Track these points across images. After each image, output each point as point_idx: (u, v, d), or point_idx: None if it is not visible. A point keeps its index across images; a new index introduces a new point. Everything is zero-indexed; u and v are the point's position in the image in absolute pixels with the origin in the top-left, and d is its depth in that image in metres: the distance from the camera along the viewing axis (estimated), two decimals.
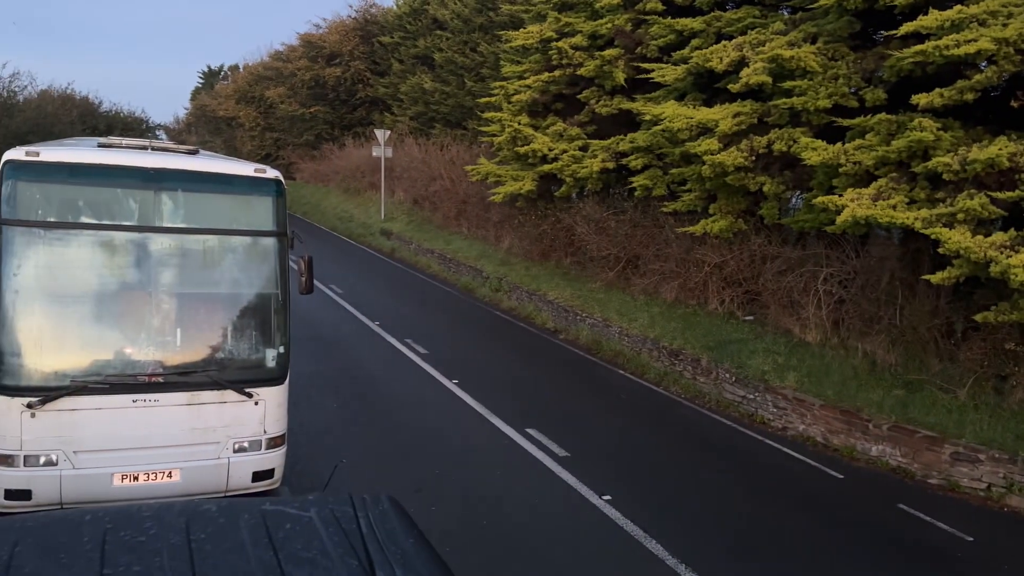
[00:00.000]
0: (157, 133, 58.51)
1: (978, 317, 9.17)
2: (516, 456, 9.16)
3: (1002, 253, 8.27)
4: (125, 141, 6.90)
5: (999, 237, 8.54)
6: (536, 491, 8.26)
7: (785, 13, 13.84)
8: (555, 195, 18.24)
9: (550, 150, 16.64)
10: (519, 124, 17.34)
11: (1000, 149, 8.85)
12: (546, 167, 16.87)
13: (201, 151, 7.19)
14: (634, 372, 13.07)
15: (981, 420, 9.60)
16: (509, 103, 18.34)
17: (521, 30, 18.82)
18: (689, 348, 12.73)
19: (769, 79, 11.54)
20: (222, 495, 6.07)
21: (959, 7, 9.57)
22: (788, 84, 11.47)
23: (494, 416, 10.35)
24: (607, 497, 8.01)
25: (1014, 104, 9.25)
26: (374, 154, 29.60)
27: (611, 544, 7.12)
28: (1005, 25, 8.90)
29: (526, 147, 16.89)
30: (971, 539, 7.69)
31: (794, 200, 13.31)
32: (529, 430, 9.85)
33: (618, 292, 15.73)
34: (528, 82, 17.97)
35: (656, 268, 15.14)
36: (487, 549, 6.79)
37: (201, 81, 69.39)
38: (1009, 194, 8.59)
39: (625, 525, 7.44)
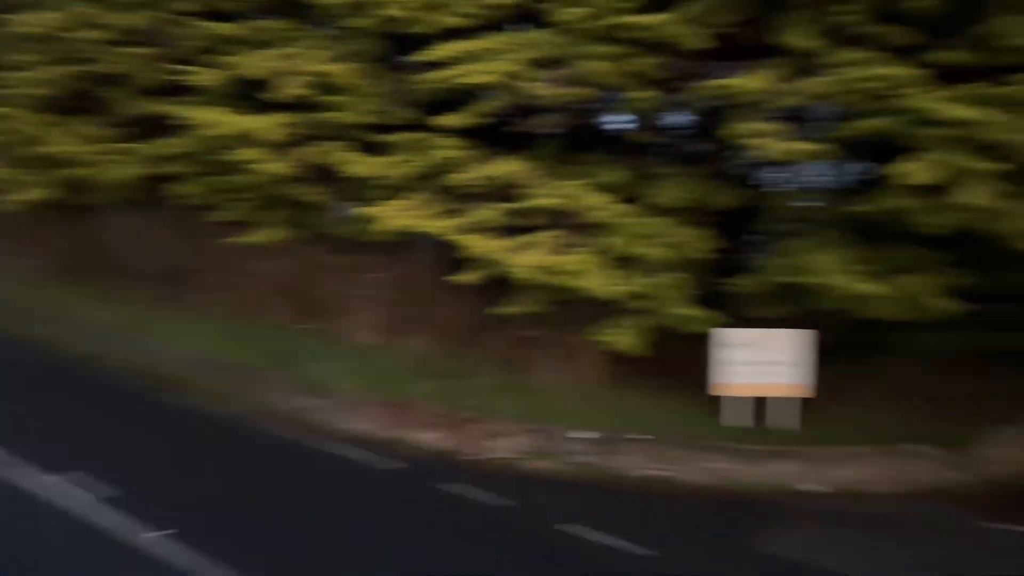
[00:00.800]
0: None
1: (498, 311, 10.70)
2: (50, 507, 7.90)
3: (509, 256, 9.79)
4: None
5: (506, 242, 10.09)
6: (78, 542, 7.25)
7: (327, 30, 14.28)
8: (83, 204, 16.07)
9: (73, 153, 14.61)
10: (30, 122, 14.90)
11: (506, 167, 10.45)
12: (69, 172, 14.77)
13: None
14: (190, 395, 12.20)
15: (510, 399, 11.17)
16: (16, 97, 15.60)
17: (30, 15, 16.13)
18: (250, 362, 12.41)
19: (313, 92, 11.81)
20: None
21: (475, 41, 10.93)
22: (331, 99, 11.88)
23: (21, 465, 8.77)
24: (163, 532, 7.40)
25: (518, 129, 11.04)
26: None
27: None
28: (500, 61, 10.43)
29: (40, 149, 14.60)
30: (513, 503, 8.84)
31: (344, 210, 13.84)
32: (66, 474, 8.56)
33: (167, 309, 14.58)
34: (41, 75, 15.51)
35: (210, 282, 14.42)
36: None
37: None
38: (512, 205, 10.20)
39: (182, 559, 6.96)
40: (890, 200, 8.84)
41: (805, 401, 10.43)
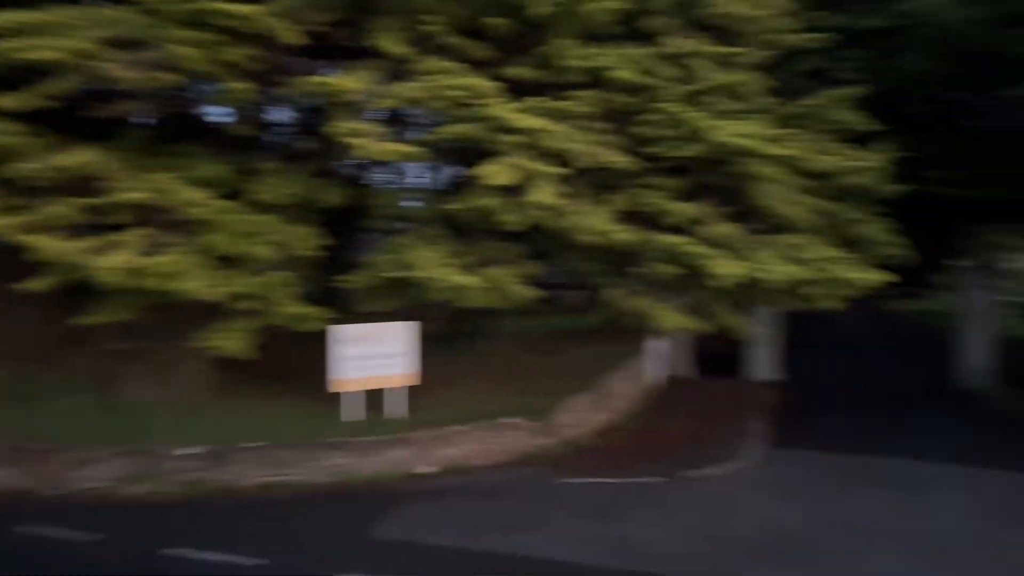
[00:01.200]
0: None
1: (82, 320, 9.41)
2: None
3: (90, 258, 8.67)
4: None
5: (86, 243, 8.91)
6: None
7: None
8: None
9: None
10: None
11: (82, 157, 9.21)
12: None
13: None
14: None
15: (104, 420, 9.99)
16: None
17: None
18: None
19: None
20: None
21: (36, 13, 9.38)
22: None
23: None
24: None
25: (96, 115, 9.74)
26: None
27: None
28: (68, 37, 9.15)
29: None
30: (106, 536, 7.89)
31: None
32: None
33: None
34: None
35: None
36: None
37: None
38: (92, 200, 9.05)
39: None
40: (476, 199, 9.71)
41: (415, 389, 11.01)
